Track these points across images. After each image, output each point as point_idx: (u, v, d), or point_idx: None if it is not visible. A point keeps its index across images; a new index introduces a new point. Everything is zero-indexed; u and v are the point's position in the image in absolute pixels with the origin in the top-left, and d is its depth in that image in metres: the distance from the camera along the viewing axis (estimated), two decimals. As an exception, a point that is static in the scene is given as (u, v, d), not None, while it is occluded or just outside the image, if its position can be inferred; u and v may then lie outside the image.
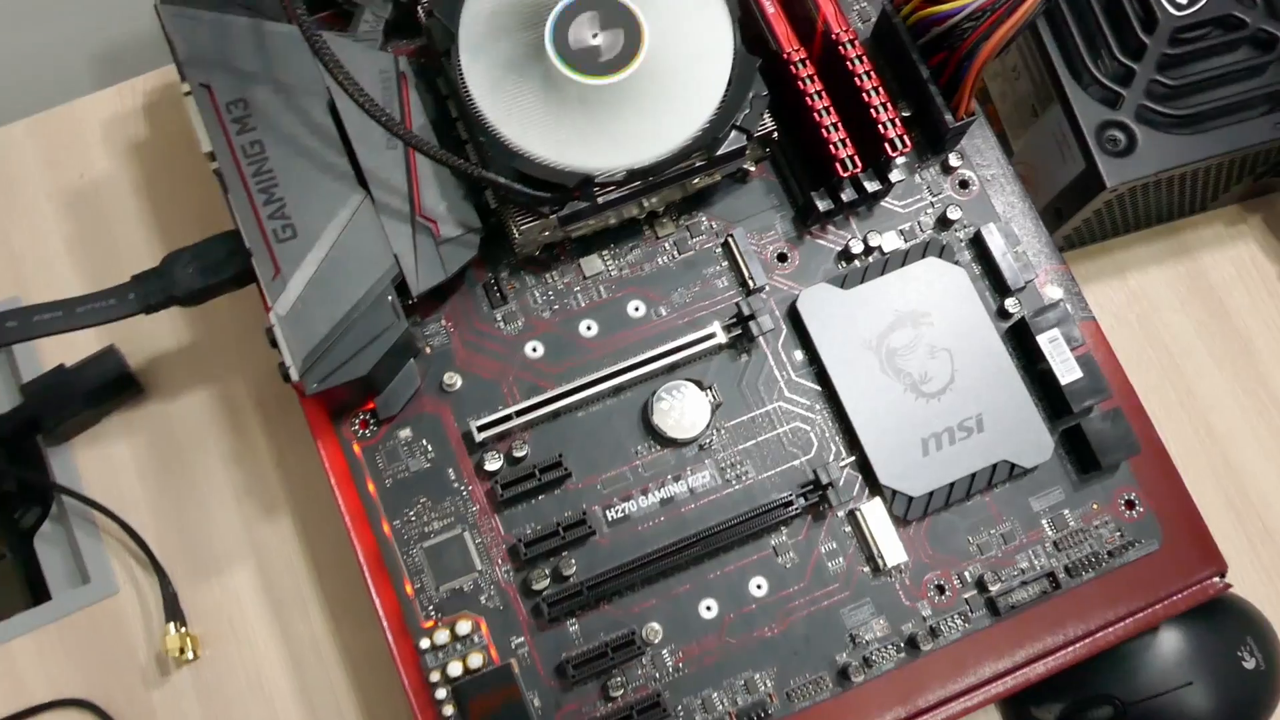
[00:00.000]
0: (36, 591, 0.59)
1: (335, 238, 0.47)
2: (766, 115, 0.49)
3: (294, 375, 0.46)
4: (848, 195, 0.51)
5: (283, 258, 0.47)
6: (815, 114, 0.49)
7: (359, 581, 0.49)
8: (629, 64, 0.47)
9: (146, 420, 0.59)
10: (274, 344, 0.47)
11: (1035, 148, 0.59)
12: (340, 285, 0.47)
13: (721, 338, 0.50)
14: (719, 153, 0.48)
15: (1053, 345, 0.50)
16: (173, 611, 0.55)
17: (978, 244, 0.53)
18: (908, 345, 0.51)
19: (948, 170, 0.54)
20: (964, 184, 0.54)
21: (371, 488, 0.49)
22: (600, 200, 0.48)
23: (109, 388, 0.57)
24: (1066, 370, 0.50)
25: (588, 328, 0.52)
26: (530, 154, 0.46)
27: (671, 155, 0.47)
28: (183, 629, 0.54)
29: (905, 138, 0.49)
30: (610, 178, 0.47)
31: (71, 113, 0.64)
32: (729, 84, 0.48)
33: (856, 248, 0.52)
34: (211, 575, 0.57)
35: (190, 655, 0.54)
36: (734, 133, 0.48)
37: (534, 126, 0.47)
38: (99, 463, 0.58)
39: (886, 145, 0.49)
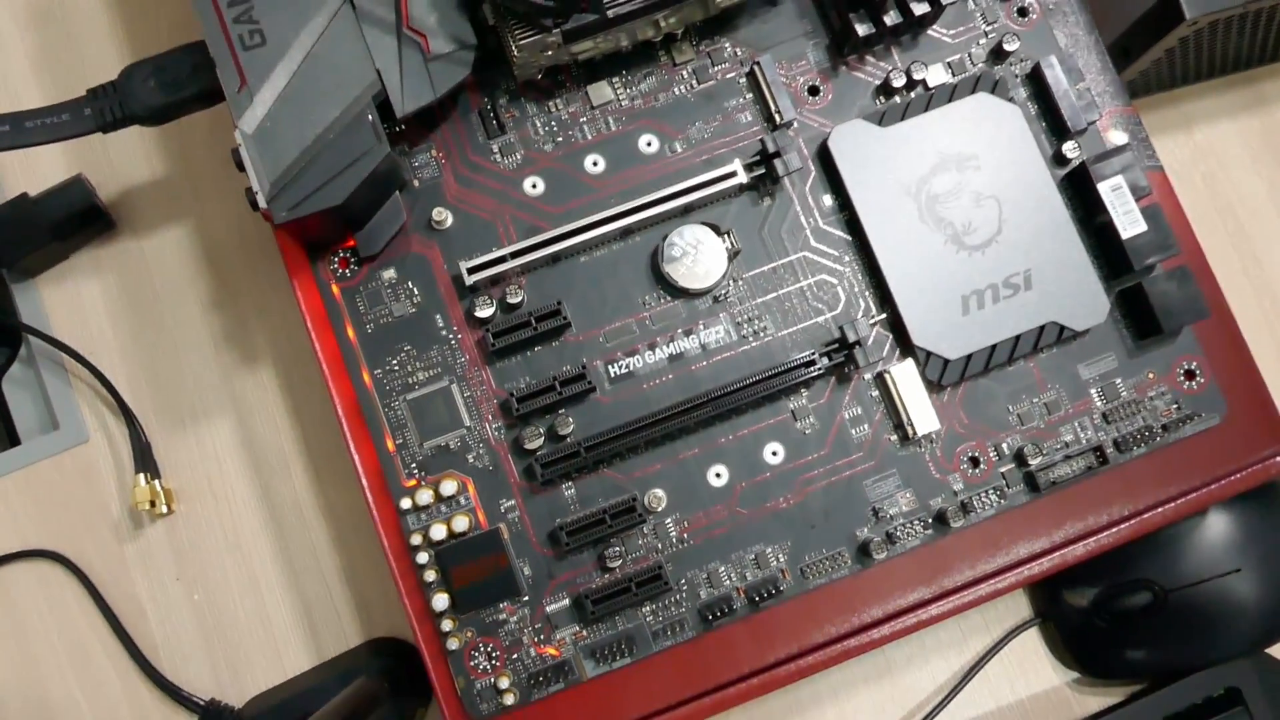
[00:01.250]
0: (10, 434, 0.56)
1: (310, 47, 0.42)
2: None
3: (261, 202, 0.41)
4: (891, 18, 0.45)
5: (249, 68, 0.41)
6: (859, -80, 0.43)
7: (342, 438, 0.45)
8: None
9: (117, 257, 0.55)
10: (240, 166, 0.42)
11: (1104, -23, 0.52)
12: (315, 102, 0.41)
13: (743, 177, 0.45)
14: (747, -40, 0.42)
15: (1115, 194, 0.45)
16: (144, 462, 0.51)
17: (1035, 79, 0.47)
18: (951, 191, 0.45)
19: (1006, -4, 0.48)
20: (1023, 11, 0.48)
21: (351, 333, 0.45)
22: (610, 13, 0.42)
23: (76, 220, 0.53)
24: (1129, 223, 0.44)
25: (594, 163, 0.46)
26: (531, -46, 0.40)
27: (693, -40, 0.41)
28: (154, 481, 0.51)
29: (961, -49, 0.43)
30: (621, -16, 0.41)
31: (34, -84, 0.58)
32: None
33: (898, 81, 0.46)
34: (188, 427, 0.53)
35: (163, 509, 0.51)
36: (764, -63, 0.42)
37: (536, -77, 0.41)
38: (67, 302, 0.54)
39: (939, -41, 0.43)
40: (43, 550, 0.52)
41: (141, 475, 0.51)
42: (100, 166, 0.55)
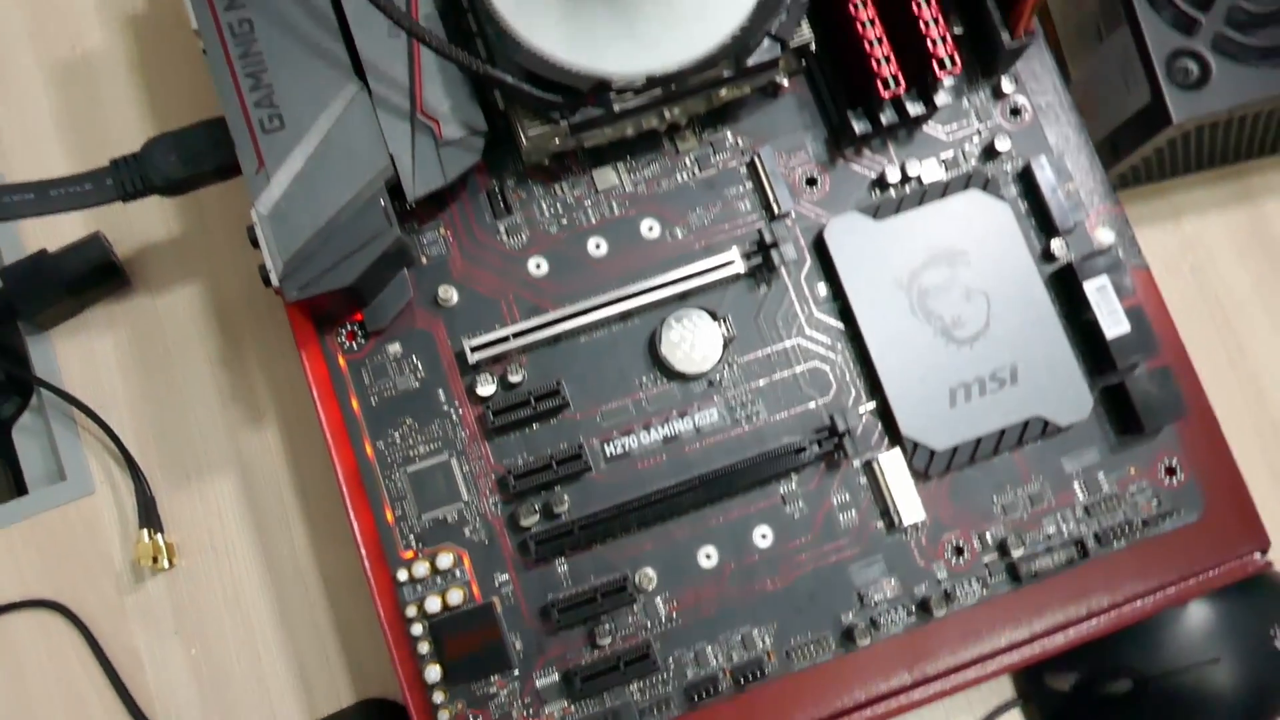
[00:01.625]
0: (18, 483, 0.57)
1: (326, 131, 0.43)
2: (804, 23, 0.45)
3: (274, 280, 0.42)
4: (887, 118, 0.47)
5: (267, 150, 0.43)
6: (858, 25, 0.45)
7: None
8: (656, -43, 0.42)
9: (130, 313, 0.56)
10: (255, 243, 0.43)
11: (1096, 75, 0.54)
12: (329, 184, 0.43)
13: (740, 266, 0.47)
14: (750, 63, 0.44)
15: (1100, 294, 0.46)
16: (148, 517, 0.52)
17: (1026, 178, 0.48)
18: (941, 285, 0.47)
19: (999, 95, 0.49)
20: (1015, 111, 0.49)
21: (355, 404, 0.46)
22: (616, 108, 0.43)
23: (92, 276, 0.55)
24: (1113, 322, 0.46)
25: (596, 246, 0.48)
26: (540, 51, 0.42)
27: (697, 63, 0.42)
28: (157, 535, 0.52)
29: (955, 57, 0.45)
30: (628, 84, 0.42)
31: (64, -21, 0.60)
32: (766, -15, 0.43)
33: (893, 176, 0.48)
34: (192, 482, 0.54)
35: (165, 564, 0.52)
36: (767, 41, 0.44)
37: (547, 19, 0.42)
38: (79, 355, 0.55)
39: (934, 64, 0.45)
40: (44, 600, 0.53)
41: (145, 531, 0.52)
42: (118, 225, 0.56)
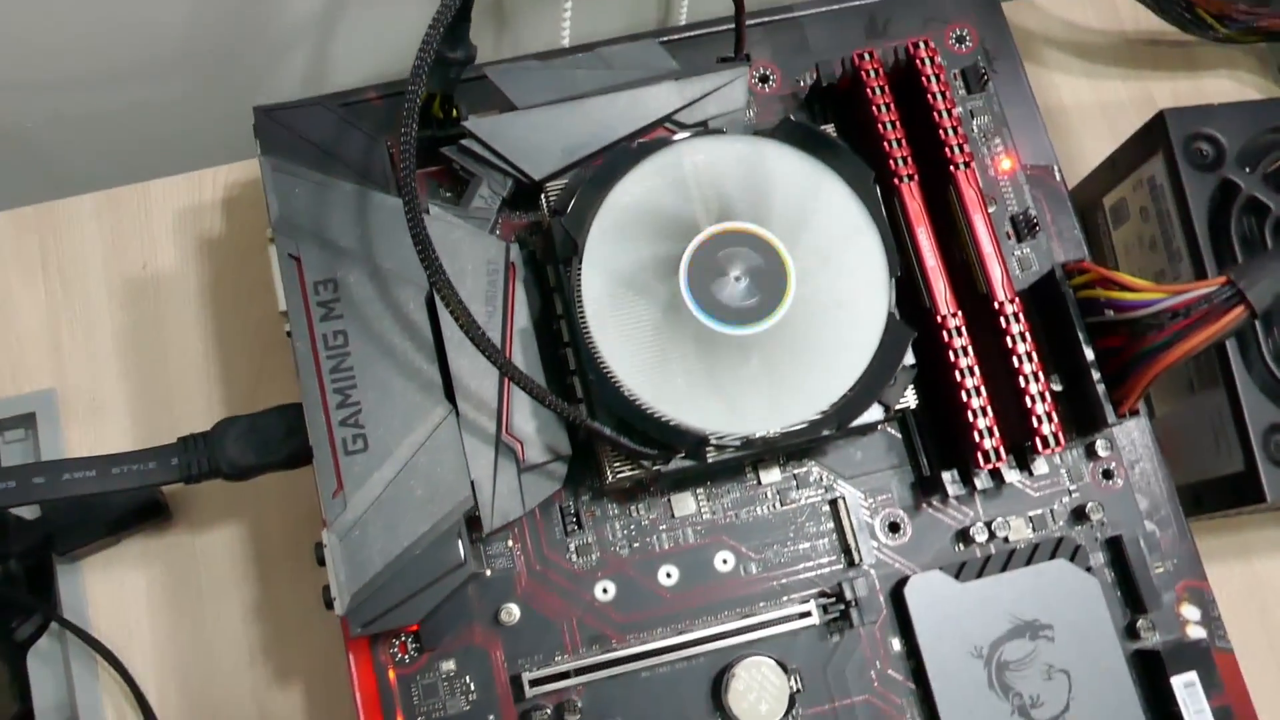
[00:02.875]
0: (24, 701, 0.54)
1: (409, 457, 0.42)
2: (910, 387, 0.44)
3: (339, 609, 0.40)
4: (982, 483, 0.45)
5: (348, 473, 0.41)
6: (963, 392, 0.44)
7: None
8: (768, 317, 0.41)
9: (167, 550, 0.54)
10: (322, 563, 0.41)
11: (1185, 423, 0.53)
12: (407, 513, 0.41)
13: (816, 618, 0.45)
14: (853, 424, 0.43)
15: (1188, 691, 0.44)
16: (160, 785, 0.50)
17: (1114, 548, 0.47)
18: (1022, 660, 0.45)
19: (1092, 456, 0.48)
20: (1108, 475, 0.48)
21: (401, 723, 0.44)
22: (710, 459, 0.42)
23: (136, 514, 0.53)
24: (1200, 724, 0.44)
25: (667, 575, 0.46)
26: (643, 404, 0.41)
27: (798, 428, 0.41)
28: (166, 806, 0.50)
29: (1059, 435, 0.44)
30: (726, 442, 0.41)
31: (144, 195, 0.59)
32: (876, 351, 0.42)
33: (979, 534, 0.46)
34: (209, 739, 0.52)
35: (171, 834, 0.49)
36: (873, 404, 0.43)
37: (650, 372, 0.41)
38: (109, 589, 0.54)
39: (1038, 441, 0.43)
40: None
41: (156, 803, 0.49)
42: (166, 458, 0.55)
